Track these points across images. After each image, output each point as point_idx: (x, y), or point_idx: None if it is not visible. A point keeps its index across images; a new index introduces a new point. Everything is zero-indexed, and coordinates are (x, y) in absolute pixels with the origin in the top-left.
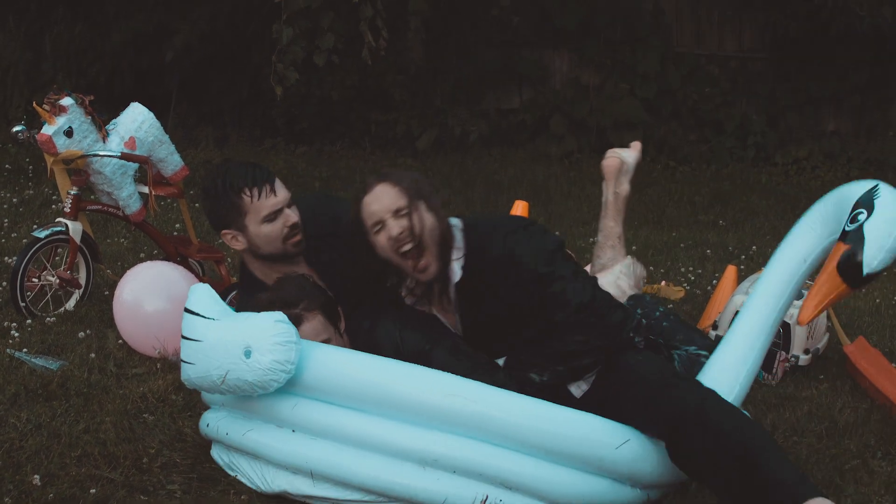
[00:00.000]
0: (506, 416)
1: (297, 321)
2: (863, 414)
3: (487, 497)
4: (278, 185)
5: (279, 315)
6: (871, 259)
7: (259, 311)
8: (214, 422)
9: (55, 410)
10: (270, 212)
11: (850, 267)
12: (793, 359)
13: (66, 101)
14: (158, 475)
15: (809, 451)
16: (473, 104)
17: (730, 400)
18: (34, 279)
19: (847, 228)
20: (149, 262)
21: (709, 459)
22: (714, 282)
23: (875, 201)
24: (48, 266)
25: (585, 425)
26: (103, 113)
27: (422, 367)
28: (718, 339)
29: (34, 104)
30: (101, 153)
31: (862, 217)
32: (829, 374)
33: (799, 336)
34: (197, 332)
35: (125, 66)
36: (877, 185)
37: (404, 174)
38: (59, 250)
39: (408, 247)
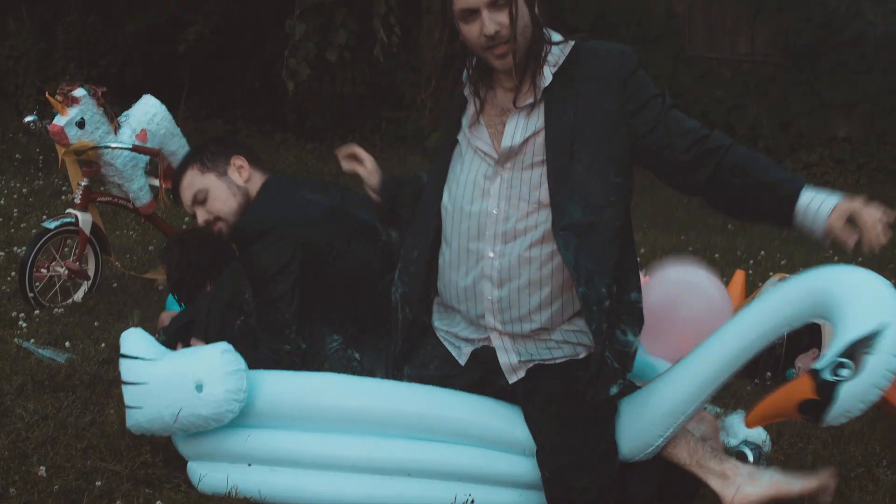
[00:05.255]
0: (446, 412)
1: None
2: (868, 422)
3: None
4: (188, 180)
5: (225, 345)
6: (833, 420)
7: None
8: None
9: (62, 402)
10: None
11: (811, 413)
12: None
13: (79, 92)
14: (163, 468)
15: (815, 458)
16: None
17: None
18: (43, 269)
19: (825, 377)
20: (675, 264)
21: None
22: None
23: (867, 359)
24: (57, 257)
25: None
26: (114, 104)
27: (372, 378)
28: None
29: (47, 95)
30: (113, 145)
31: (845, 375)
32: None
33: (828, 335)
34: (140, 375)
35: (137, 57)
36: (879, 334)
37: None
38: (69, 241)
39: (500, 47)
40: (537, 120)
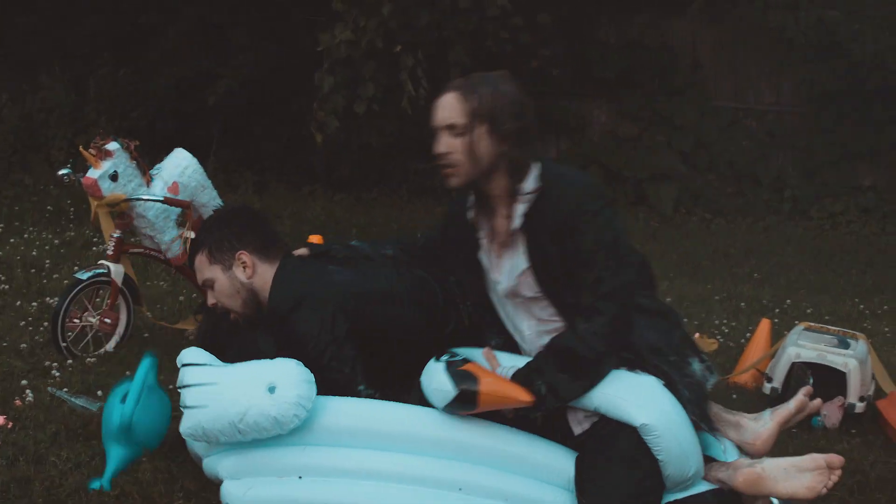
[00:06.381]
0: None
1: None
2: (894, 468)
3: None
4: (198, 264)
5: (296, 361)
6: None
7: None
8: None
9: (95, 450)
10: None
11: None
12: (849, 406)
13: (112, 145)
14: None
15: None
16: None
17: None
18: (75, 320)
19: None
20: None
21: None
22: (748, 335)
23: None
24: (90, 307)
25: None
26: (145, 156)
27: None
28: (774, 391)
29: (80, 148)
30: (145, 197)
31: None
32: (861, 428)
33: (854, 384)
34: (209, 377)
35: (167, 110)
36: None
37: (486, 87)
38: (101, 292)
39: (448, 169)
40: (523, 260)
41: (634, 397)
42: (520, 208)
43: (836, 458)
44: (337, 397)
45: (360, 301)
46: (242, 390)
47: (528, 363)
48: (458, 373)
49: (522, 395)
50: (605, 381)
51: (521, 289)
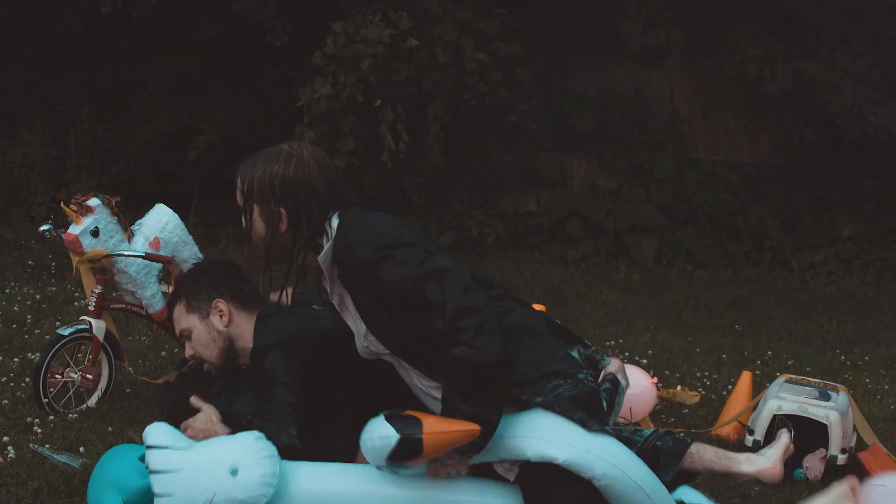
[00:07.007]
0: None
1: None
2: None
3: None
4: (176, 315)
5: (257, 433)
6: None
7: None
8: None
9: None
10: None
11: None
12: (831, 458)
13: (93, 201)
14: None
15: None
16: (491, 207)
17: None
18: (57, 375)
19: None
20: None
21: None
22: (730, 387)
23: None
24: (71, 363)
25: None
26: (126, 211)
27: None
28: (756, 443)
29: (62, 204)
30: (126, 253)
31: None
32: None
33: (836, 436)
34: (171, 463)
35: (148, 164)
36: None
37: (260, 168)
38: (83, 347)
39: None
40: (361, 322)
41: (584, 448)
42: (324, 273)
43: (855, 481)
44: (302, 463)
45: (340, 343)
46: (207, 476)
47: (441, 410)
48: (400, 419)
49: (466, 426)
50: (534, 429)
51: (374, 349)
